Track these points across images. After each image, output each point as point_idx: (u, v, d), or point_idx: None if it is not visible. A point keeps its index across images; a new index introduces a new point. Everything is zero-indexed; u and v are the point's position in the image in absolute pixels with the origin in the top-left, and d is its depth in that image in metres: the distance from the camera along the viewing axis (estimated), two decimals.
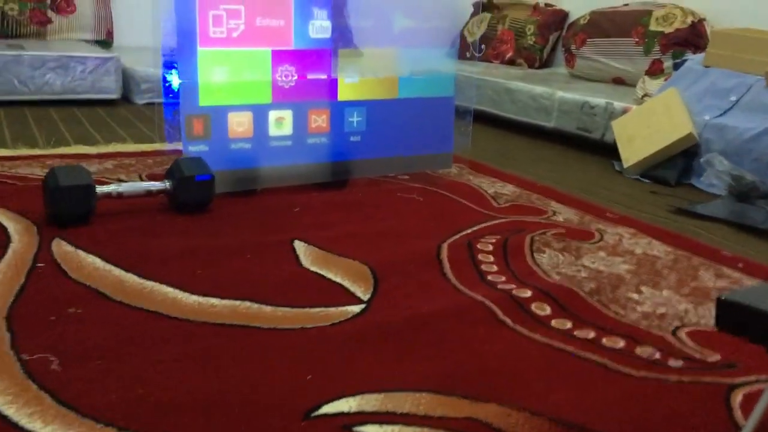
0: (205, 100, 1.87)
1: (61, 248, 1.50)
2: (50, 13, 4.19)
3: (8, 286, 1.30)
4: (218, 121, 1.90)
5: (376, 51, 2.10)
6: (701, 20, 3.33)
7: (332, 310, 1.29)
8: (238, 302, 1.30)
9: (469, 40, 4.87)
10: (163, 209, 1.81)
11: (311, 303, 1.31)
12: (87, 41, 4.15)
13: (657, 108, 2.58)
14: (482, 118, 3.50)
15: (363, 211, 1.90)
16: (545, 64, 4.41)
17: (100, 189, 1.71)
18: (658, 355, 1.19)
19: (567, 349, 1.19)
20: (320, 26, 1.98)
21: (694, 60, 2.79)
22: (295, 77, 1.97)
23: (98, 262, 1.44)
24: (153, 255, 1.49)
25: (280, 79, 1.95)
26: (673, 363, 1.17)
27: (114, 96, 3.40)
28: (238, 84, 1.90)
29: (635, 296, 1.43)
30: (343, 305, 1.31)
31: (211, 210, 1.83)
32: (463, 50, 4.85)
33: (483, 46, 4.72)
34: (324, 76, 2.02)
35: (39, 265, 1.41)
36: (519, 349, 1.19)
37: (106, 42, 4.29)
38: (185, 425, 0.92)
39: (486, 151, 2.85)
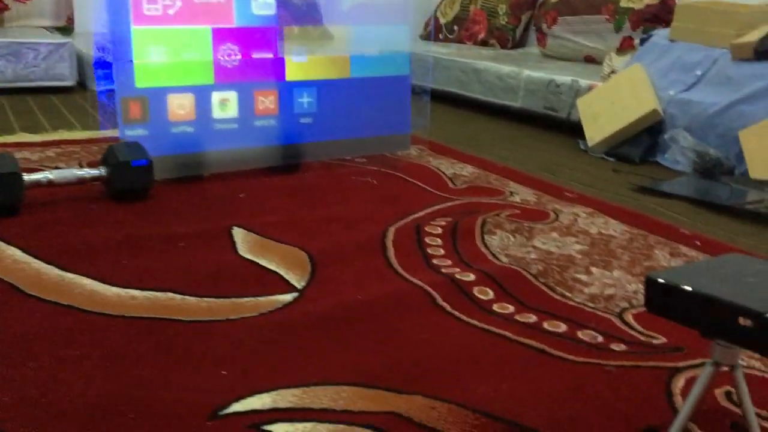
0: (141, 82, 1.79)
1: None
2: (7, 0, 4.07)
3: None
4: (157, 104, 1.81)
5: (326, 29, 2.02)
6: None
7: (262, 299, 1.22)
8: (160, 294, 1.22)
9: (442, 21, 4.78)
10: (100, 198, 1.72)
11: (241, 293, 1.24)
12: (46, 28, 4.02)
13: (622, 84, 2.52)
14: (449, 100, 3.42)
15: (312, 195, 1.83)
16: (518, 44, 4.33)
17: (29, 177, 1.62)
18: (600, 339, 1.13)
19: (505, 335, 1.13)
20: (264, 2, 1.89)
21: (659, 35, 2.72)
22: (239, 57, 1.89)
23: (18, 254, 1.36)
24: (78, 246, 1.41)
25: (222, 58, 1.87)
26: (616, 347, 1.11)
27: (69, 83, 3.29)
28: (178, 64, 1.82)
29: (584, 277, 1.37)
30: (275, 294, 1.24)
31: (151, 198, 1.75)
32: (437, 32, 4.77)
33: (456, 28, 4.63)
34: (270, 55, 1.93)
35: None
36: (454, 336, 1.12)
37: (66, 28, 4.17)
38: (75, 430, 0.84)
39: (450, 132, 2.77)
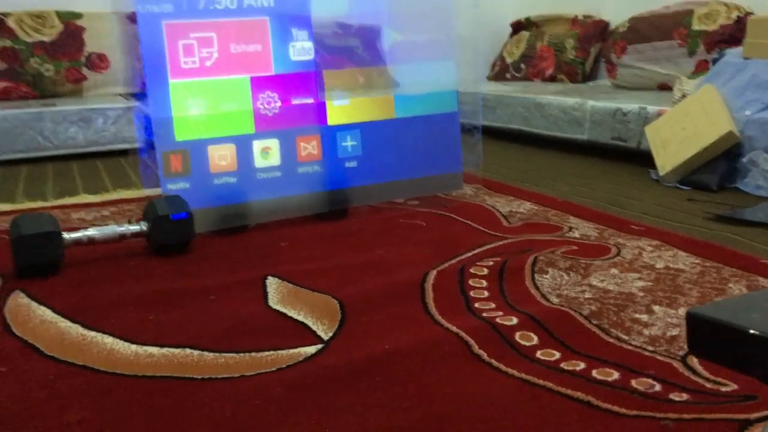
0: (181, 135, 1.77)
1: (16, 301, 1.40)
2: (85, 71, 4.26)
3: None
4: (198, 156, 1.79)
5: (367, 70, 1.97)
6: (747, 14, 3.07)
7: (283, 353, 1.14)
8: (178, 350, 1.16)
9: (509, 60, 4.70)
10: (142, 253, 1.70)
11: (263, 346, 1.16)
12: (122, 95, 4.18)
13: (692, 108, 2.35)
14: (513, 137, 3.31)
15: (355, 240, 1.75)
16: (588, 77, 4.19)
17: (69, 236, 1.61)
18: (657, 388, 0.98)
19: (546, 386, 1.00)
20: (302, 48, 1.86)
21: (732, 53, 2.53)
22: (279, 103, 1.85)
23: (47, 314, 1.33)
24: (108, 302, 1.38)
25: (262, 106, 1.84)
26: (676, 397, 0.96)
27: (138, 145, 3.37)
28: (217, 115, 1.80)
29: (644, 317, 1.22)
30: (298, 347, 1.16)
31: (191, 250, 1.71)
32: (503, 71, 4.68)
33: (523, 66, 4.54)
34: (310, 100, 1.89)
35: None
36: (487, 389, 1.00)
37: (142, 94, 4.32)
38: None
39: (510, 170, 2.66)
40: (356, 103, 1.95)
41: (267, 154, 1.86)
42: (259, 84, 1.83)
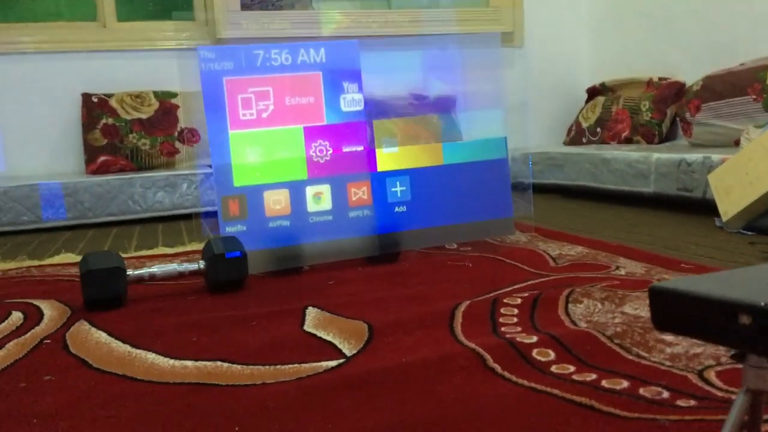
0: (239, 181, 1.90)
1: (78, 327, 1.52)
2: (177, 144, 4.57)
3: (4, 360, 1.32)
4: (254, 201, 1.91)
5: (417, 119, 2.06)
6: None
7: (306, 365, 1.19)
8: (209, 363, 1.23)
9: (584, 125, 4.71)
10: (198, 291, 1.81)
11: (288, 361, 1.22)
12: (209, 165, 4.45)
13: (755, 153, 2.30)
14: (580, 194, 3.30)
15: (399, 279, 1.80)
16: (666, 138, 4.15)
17: (132, 272, 1.74)
18: (665, 395, 0.97)
19: (552, 392, 1.00)
20: (352, 99, 1.97)
21: None
22: (331, 151, 1.96)
23: (103, 336, 1.44)
24: (157, 327, 1.48)
25: (314, 154, 1.95)
26: (683, 403, 0.94)
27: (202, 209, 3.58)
28: (273, 162, 1.92)
29: (669, 338, 1.20)
30: (321, 361, 1.21)
31: (245, 288, 1.80)
32: (579, 136, 4.70)
33: (599, 129, 4.54)
34: (360, 148, 1.99)
35: (46, 341, 1.43)
36: (491, 395, 1.01)
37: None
38: None
39: (573, 221, 2.65)
40: (405, 151, 2.03)
41: (319, 198, 1.96)
42: (311, 133, 1.95)
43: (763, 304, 0.58)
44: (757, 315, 0.58)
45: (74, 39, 4.14)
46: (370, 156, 2.00)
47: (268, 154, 1.92)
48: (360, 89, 1.98)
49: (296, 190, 1.94)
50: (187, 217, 3.54)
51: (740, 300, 0.60)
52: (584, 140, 4.61)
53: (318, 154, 1.95)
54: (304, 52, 1.93)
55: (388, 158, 2.01)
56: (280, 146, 1.93)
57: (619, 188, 3.05)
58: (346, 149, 1.97)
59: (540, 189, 3.77)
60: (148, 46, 4.31)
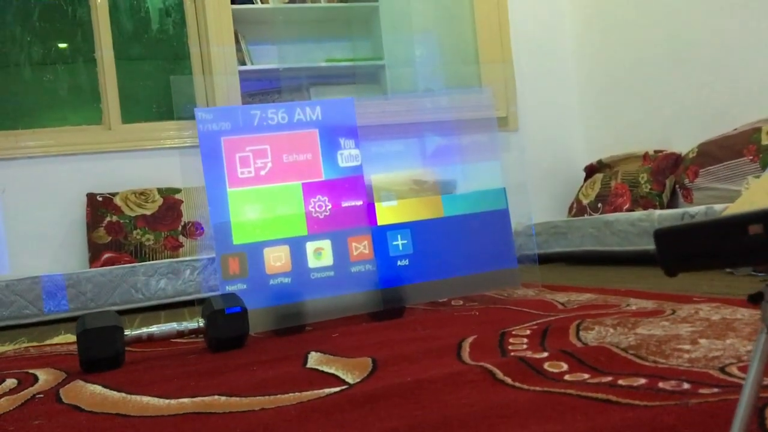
0: (239, 239, 1.88)
1: (73, 384, 1.47)
2: (181, 238, 4.59)
3: None
4: (254, 258, 1.88)
5: (414, 173, 2.06)
6: None
7: (307, 393, 1.13)
8: (207, 397, 1.17)
9: (585, 202, 4.73)
10: (199, 350, 1.76)
11: (289, 390, 1.16)
12: (214, 258, 4.44)
13: (755, 195, 2.28)
14: (586, 260, 3.26)
15: (405, 328, 1.75)
16: (667, 208, 4.15)
17: (130, 332, 1.70)
18: (686, 386, 0.91)
19: (567, 392, 0.95)
20: (349, 155, 1.99)
21: None
22: (330, 206, 1.95)
23: (98, 389, 1.39)
24: (154, 377, 1.42)
25: (313, 210, 1.94)
26: (706, 390, 0.89)
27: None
28: (272, 219, 1.91)
29: (687, 347, 1.15)
30: (323, 389, 1.15)
31: (247, 346, 1.75)
32: (580, 212, 4.71)
33: (600, 205, 4.56)
34: (360, 203, 1.98)
35: (38, 396, 1.37)
36: (503, 398, 0.96)
37: None
38: None
39: (583, 281, 2.61)
40: (404, 204, 2.02)
41: (320, 254, 1.93)
42: (310, 189, 1.95)
43: None
44: None
45: (80, 142, 4.24)
46: (370, 210, 1.99)
47: (268, 211, 1.91)
48: (357, 145, 1.99)
49: (296, 246, 1.92)
50: (190, 303, 3.49)
51: (749, 212, 0.57)
52: (586, 216, 4.62)
53: (317, 209, 1.94)
54: (300, 110, 1.96)
55: (387, 212, 2.00)
56: (279, 203, 1.92)
57: (624, 249, 3.02)
58: (345, 204, 1.97)
59: (545, 259, 3.73)
60: (151, 146, 4.40)
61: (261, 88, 4.90)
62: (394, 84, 4.91)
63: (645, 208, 4.14)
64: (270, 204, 1.91)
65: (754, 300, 0.66)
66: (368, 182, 1.97)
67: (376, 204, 2.00)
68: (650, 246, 2.86)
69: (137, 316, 3.26)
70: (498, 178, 2.08)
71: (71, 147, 4.22)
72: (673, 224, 0.66)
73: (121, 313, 3.38)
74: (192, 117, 4.61)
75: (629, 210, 4.22)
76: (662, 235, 0.66)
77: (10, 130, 4.13)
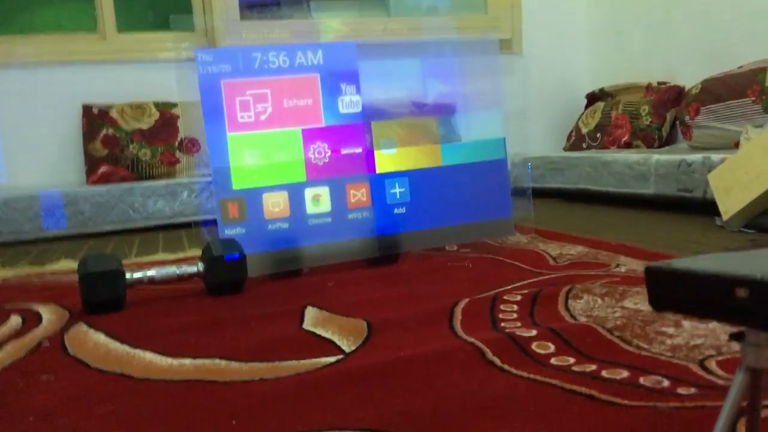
0: (238, 184, 1.89)
1: (77, 329, 1.52)
2: (178, 154, 4.58)
3: (2, 362, 1.31)
4: (253, 203, 1.90)
5: (414, 120, 2.06)
6: None
7: (304, 362, 1.18)
8: (208, 361, 1.22)
9: (584, 131, 4.72)
10: (198, 293, 1.80)
11: (286, 358, 1.21)
12: (209, 174, 4.45)
13: (754, 151, 2.29)
14: (580, 197, 3.30)
15: (399, 279, 1.79)
16: (666, 142, 4.15)
17: (131, 275, 1.74)
18: (666, 384, 0.96)
19: (551, 383, 0.99)
20: (350, 101, 1.98)
21: None
22: (329, 153, 1.96)
23: (101, 338, 1.43)
24: (155, 328, 1.47)
25: (313, 156, 1.95)
26: (684, 391, 0.93)
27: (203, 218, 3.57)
28: (271, 165, 1.92)
29: (670, 330, 1.20)
30: (319, 357, 1.20)
31: (245, 290, 1.80)
32: (579, 141, 4.70)
33: (599, 135, 4.54)
34: (359, 150, 1.99)
35: (44, 344, 1.42)
36: (489, 386, 1.01)
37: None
38: None
39: (572, 224, 2.64)
40: (404, 152, 2.03)
41: (318, 201, 1.95)
42: (310, 135, 1.95)
43: (759, 276, 0.57)
44: (754, 288, 0.58)
45: (74, 50, 4.16)
46: (369, 158, 2.00)
47: (267, 157, 1.91)
48: (358, 91, 1.98)
49: (295, 192, 1.94)
50: (187, 225, 3.53)
51: (737, 274, 0.60)
52: (584, 145, 4.61)
53: (316, 156, 1.95)
54: (301, 54, 1.93)
55: (386, 160, 2.01)
56: (279, 148, 1.92)
57: (620, 190, 3.05)
58: (344, 151, 1.97)
59: (540, 193, 3.77)
60: (147, 57, 4.32)
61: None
62: (397, 1, 4.79)
63: (644, 141, 4.14)
64: (269, 149, 1.92)
65: (737, 339, 0.69)
66: (367, 104, 1.97)
67: (376, 152, 2.00)
68: (646, 190, 2.88)
69: (135, 236, 3.31)
70: (499, 127, 2.08)
71: (65, 56, 4.15)
72: (663, 264, 0.68)
73: (118, 233, 3.43)
74: (190, 28, 4.52)
75: (627, 143, 4.22)
76: (653, 274, 0.68)
77: (1, 36, 4.03)
